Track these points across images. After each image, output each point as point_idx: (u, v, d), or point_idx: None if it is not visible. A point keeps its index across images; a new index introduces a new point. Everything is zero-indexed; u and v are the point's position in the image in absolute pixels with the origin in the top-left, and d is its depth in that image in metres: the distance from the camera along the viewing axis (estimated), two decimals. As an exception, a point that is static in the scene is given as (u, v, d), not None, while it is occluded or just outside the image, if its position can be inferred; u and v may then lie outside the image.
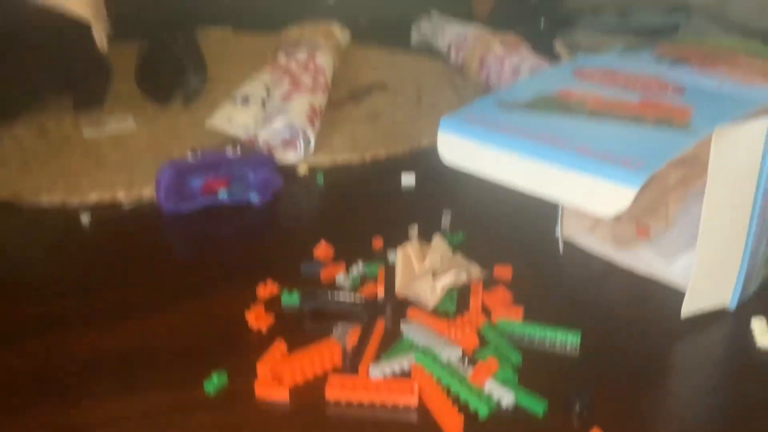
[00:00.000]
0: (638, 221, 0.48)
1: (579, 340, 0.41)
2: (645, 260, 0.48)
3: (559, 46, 1.02)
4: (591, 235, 0.50)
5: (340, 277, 0.47)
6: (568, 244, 0.52)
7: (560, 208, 0.51)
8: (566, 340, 0.41)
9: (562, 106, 0.40)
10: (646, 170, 0.33)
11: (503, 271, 0.48)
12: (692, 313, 0.43)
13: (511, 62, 0.83)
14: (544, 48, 0.94)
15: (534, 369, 0.39)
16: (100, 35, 0.76)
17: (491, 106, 0.41)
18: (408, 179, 0.64)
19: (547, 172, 0.36)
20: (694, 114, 0.38)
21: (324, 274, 0.48)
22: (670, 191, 0.48)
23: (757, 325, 0.42)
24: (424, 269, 0.46)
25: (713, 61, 0.47)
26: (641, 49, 0.50)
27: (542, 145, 0.36)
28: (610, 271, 0.49)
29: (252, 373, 0.38)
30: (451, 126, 0.40)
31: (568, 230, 0.52)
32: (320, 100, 0.73)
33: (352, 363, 0.39)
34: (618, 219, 0.49)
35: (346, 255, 0.50)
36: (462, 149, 0.39)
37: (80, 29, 0.76)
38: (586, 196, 0.35)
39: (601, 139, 0.36)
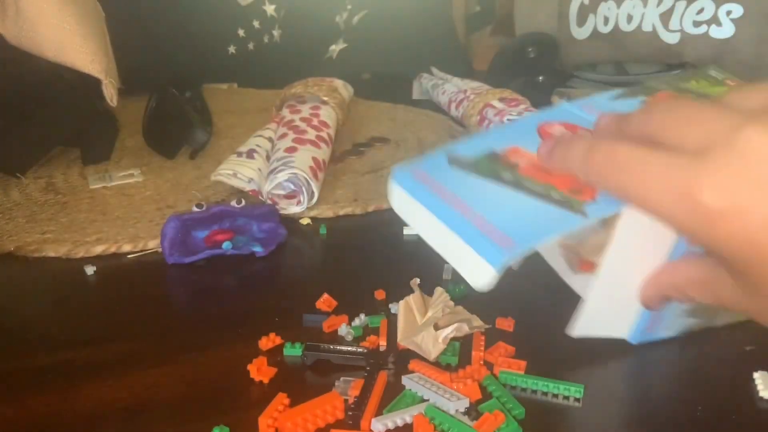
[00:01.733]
0: (582, 258, 0.48)
1: (582, 392, 0.41)
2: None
3: (555, 101, 1.04)
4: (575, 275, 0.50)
5: (343, 329, 0.48)
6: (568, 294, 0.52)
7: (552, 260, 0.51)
8: (569, 392, 0.41)
9: (496, 170, 0.39)
10: (511, 251, 0.33)
11: (505, 323, 0.48)
12: (584, 336, 0.42)
13: (510, 116, 0.85)
14: (542, 102, 0.96)
15: (538, 422, 0.39)
16: (110, 91, 0.78)
17: (441, 161, 0.40)
18: (411, 231, 0.65)
19: (445, 236, 0.35)
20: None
21: (326, 326, 0.48)
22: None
23: (759, 376, 0.42)
24: (426, 321, 0.46)
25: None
26: (636, 97, 0.49)
27: (452, 209, 0.36)
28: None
29: (254, 427, 0.38)
30: (398, 177, 0.40)
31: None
32: (324, 153, 0.75)
33: (354, 416, 0.39)
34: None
35: (348, 306, 0.50)
36: (402, 201, 0.39)
37: (90, 84, 0.78)
38: (465, 265, 0.34)
39: (500, 210, 0.35)
